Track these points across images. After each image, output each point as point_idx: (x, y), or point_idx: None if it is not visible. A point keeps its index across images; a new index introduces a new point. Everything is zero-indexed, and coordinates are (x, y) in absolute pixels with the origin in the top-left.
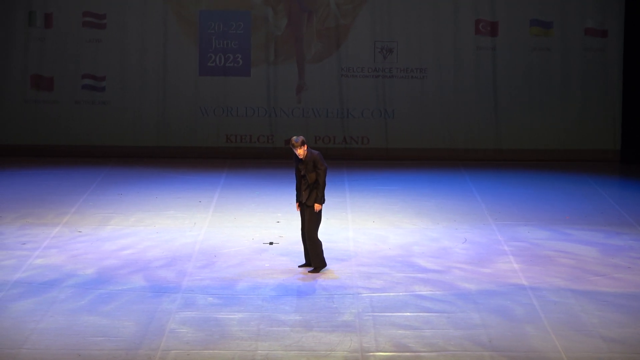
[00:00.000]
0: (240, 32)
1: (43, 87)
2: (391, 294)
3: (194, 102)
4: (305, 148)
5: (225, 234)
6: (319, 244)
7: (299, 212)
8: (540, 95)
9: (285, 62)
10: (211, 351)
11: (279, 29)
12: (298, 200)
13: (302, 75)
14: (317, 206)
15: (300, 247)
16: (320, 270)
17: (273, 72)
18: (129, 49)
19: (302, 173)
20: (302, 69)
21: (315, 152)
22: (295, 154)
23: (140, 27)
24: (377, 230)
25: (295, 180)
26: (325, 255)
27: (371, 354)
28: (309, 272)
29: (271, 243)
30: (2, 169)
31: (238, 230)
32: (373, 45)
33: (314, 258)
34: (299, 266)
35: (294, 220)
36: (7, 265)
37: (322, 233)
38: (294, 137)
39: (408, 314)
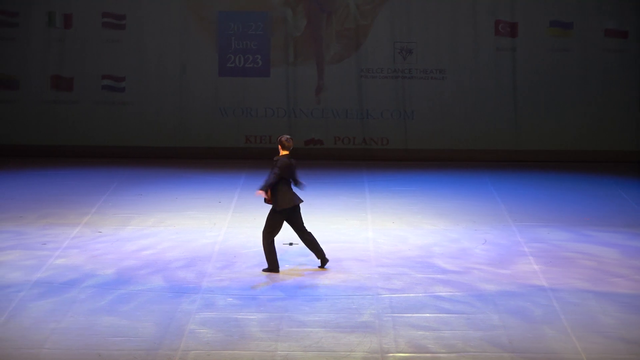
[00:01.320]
0: (259, 32)
1: (63, 87)
2: (411, 294)
3: (213, 103)
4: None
5: (244, 234)
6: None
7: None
8: (560, 96)
9: (305, 63)
10: (231, 351)
11: (299, 29)
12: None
13: (322, 76)
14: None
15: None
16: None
17: (292, 72)
18: (148, 50)
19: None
20: (321, 70)
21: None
22: (282, 155)
23: (160, 28)
24: (397, 231)
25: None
26: (345, 255)
27: (391, 355)
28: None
29: (291, 244)
30: (23, 170)
31: (258, 230)
32: (392, 46)
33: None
34: (319, 267)
35: (313, 221)
36: (28, 265)
37: (343, 233)
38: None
39: (427, 315)
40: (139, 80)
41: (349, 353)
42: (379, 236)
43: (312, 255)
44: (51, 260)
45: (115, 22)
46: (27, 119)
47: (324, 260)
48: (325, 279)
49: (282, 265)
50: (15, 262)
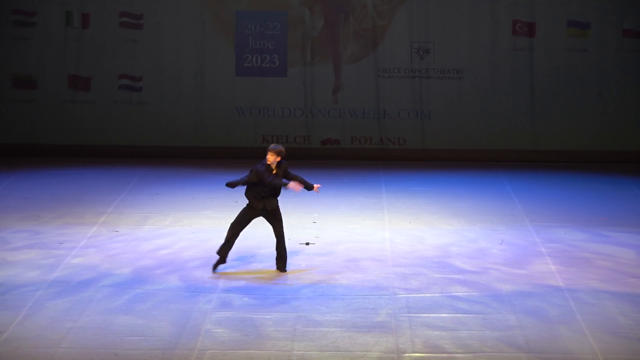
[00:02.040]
0: (276, 32)
1: (80, 87)
2: (427, 294)
3: (230, 103)
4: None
5: (261, 234)
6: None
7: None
8: (577, 96)
9: (322, 63)
10: (247, 351)
11: (316, 29)
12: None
13: (339, 76)
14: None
15: (334, 248)
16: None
17: (309, 72)
18: (165, 49)
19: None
20: (338, 70)
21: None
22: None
23: (177, 28)
24: (414, 230)
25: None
26: (362, 255)
27: (407, 355)
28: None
29: (307, 243)
30: (40, 169)
31: None
32: (410, 46)
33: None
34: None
35: (330, 221)
36: (45, 264)
37: (359, 233)
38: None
39: (444, 315)
40: (156, 79)
41: (365, 353)
42: (396, 236)
43: (330, 255)
44: (68, 260)
45: (133, 22)
46: (45, 119)
47: (279, 266)
48: (342, 278)
49: (299, 265)
50: (32, 261)
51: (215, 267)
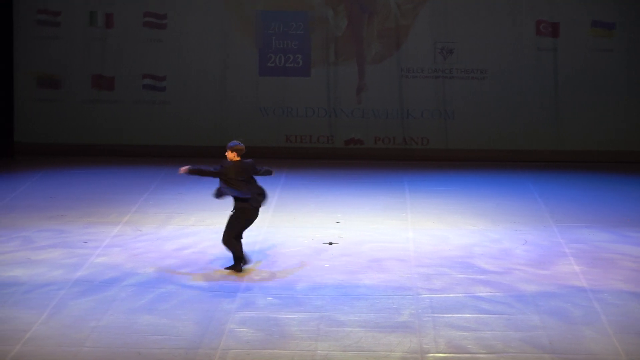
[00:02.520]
0: (300, 32)
1: (104, 86)
2: (451, 295)
3: (253, 103)
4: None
5: (284, 234)
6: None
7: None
8: (602, 96)
9: (345, 63)
10: (270, 351)
11: (339, 29)
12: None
13: (362, 76)
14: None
15: (358, 248)
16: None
17: (333, 72)
18: (189, 49)
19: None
20: (362, 70)
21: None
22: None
23: (201, 28)
24: (437, 231)
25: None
26: (385, 255)
27: (430, 355)
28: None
29: (330, 243)
30: (64, 168)
31: (297, 230)
32: (433, 46)
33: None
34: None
35: (353, 221)
36: (69, 264)
37: (383, 233)
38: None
39: (468, 315)
40: (179, 79)
41: (388, 353)
42: (419, 236)
43: (353, 255)
44: (92, 259)
45: (156, 22)
46: (69, 118)
47: (234, 267)
48: (366, 278)
49: (322, 264)
50: (56, 260)
51: (239, 269)
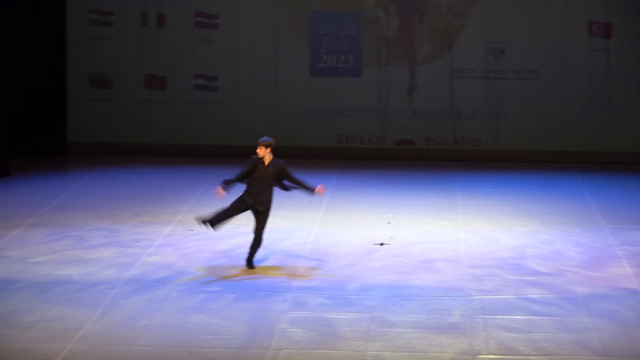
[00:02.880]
0: (351, 32)
1: (156, 86)
2: (502, 296)
3: (305, 103)
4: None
5: (335, 234)
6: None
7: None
8: None
9: (396, 63)
10: (321, 351)
11: (391, 29)
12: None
13: (413, 76)
14: None
15: (409, 249)
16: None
17: (384, 73)
18: (240, 49)
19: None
20: (413, 70)
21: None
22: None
23: (252, 27)
24: (489, 232)
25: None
26: (436, 256)
27: (481, 356)
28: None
29: (382, 244)
30: (116, 168)
31: (349, 230)
32: (484, 47)
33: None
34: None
35: (404, 222)
36: (121, 263)
37: (434, 234)
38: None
39: (519, 316)
40: (231, 79)
41: (439, 354)
42: (470, 237)
43: (404, 256)
44: (144, 258)
45: (208, 22)
46: (121, 118)
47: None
48: (417, 279)
49: (373, 265)
50: (108, 259)
51: (203, 222)
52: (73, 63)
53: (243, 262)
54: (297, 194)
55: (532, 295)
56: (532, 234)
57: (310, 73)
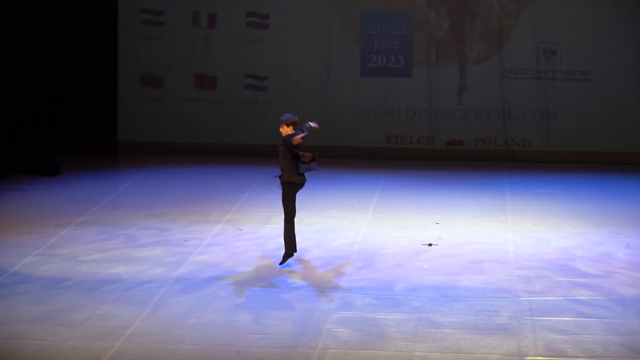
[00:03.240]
0: (402, 33)
1: (207, 86)
2: (550, 297)
3: (355, 103)
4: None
5: (384, 234)
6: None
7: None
8: None
9: (447, 64)
10: (368, 351)
11: (441, 30)
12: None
13: (464, 77)
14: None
15: (457, 250)
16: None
17: (434, 73)
18: (291, 49)
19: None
20: (463, 70)
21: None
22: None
23: (303, 28)
24: (538, 233)
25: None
26: (484, 257)
27: (529, 358)
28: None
29: (430, 244)
30: (166, 167)
31: (397, 231)
32: (536, 47)
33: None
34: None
35: (453, 222)
36: (170, 262)
37: (482, 235)
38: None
39: (567, 318)
40: (281, 79)
41: (486, 355)
42: (519, 238)
43: (453, 256)
44: (192, 257)
45: (259, 22)
46: (171, 117)
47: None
48: (464, 280)
49: (421, 265)
50: (158, 258)
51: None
52: (124, 63)
53: (291, 262)
54: (346, 195)
55: (580, 297)
56: (581, 236)
57: (361, 73)
